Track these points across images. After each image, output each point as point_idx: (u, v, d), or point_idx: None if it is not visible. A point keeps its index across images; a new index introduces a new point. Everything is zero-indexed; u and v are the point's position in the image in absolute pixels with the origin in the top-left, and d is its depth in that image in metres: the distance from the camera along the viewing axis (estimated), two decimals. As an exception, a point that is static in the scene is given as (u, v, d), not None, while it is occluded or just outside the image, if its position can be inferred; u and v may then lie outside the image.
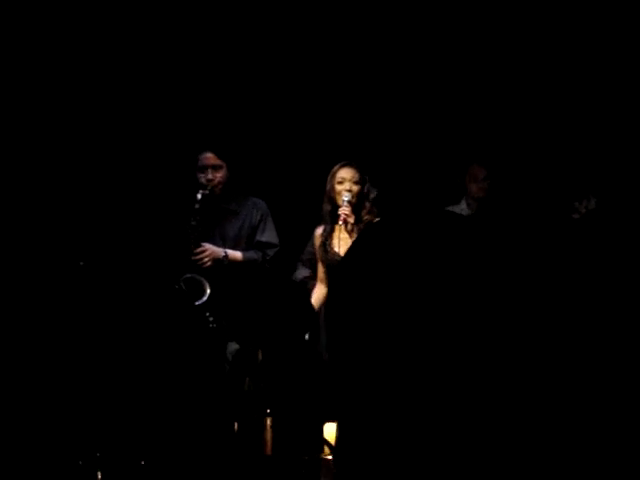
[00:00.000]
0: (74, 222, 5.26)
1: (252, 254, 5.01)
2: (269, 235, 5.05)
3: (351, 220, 4.72)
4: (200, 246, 4.87)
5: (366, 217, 4.79)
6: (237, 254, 4.97)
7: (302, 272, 5.05)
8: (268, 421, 4.53)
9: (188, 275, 4.80)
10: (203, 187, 4.92)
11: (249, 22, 5.59)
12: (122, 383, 4.82)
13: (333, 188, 4.78)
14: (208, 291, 4.73)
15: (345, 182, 4.76)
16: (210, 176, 4.95)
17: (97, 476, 4.39)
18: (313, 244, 4.94)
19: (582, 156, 5.35)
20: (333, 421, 4.12)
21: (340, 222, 4.70)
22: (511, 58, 5.51)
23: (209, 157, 4.98)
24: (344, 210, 4.70)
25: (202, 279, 4.76)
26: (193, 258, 4.83)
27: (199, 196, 4.86)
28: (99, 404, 4.72)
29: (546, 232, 5.14)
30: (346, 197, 4.70)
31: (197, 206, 4.85)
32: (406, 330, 4.50)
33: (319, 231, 4.87)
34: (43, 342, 4.92)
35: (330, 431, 4.23)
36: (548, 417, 3.73)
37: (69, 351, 4.87)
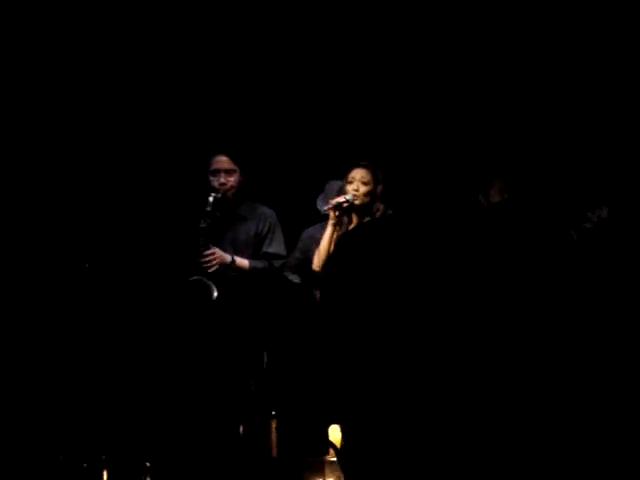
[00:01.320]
0: (80, 224, 5.26)
1: (258, 263, 4.96)
2: (276, 246, 4.99)
3: (332, 215, 4.69)
4: (209, 248, 4.83)
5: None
6: (244, 262, 4.92)
7: (292, 279, 5.01)
8: (273, 423, 4.53)
9: (195, 277, 4.77)
10: (215, 190, 4.87)
11: (274, 31, 5.58)
12: (128, 385, 4.83)
13: (344, 187, 4.80)
14: (215, 294, 4.72)
15: (354, 182, 4.77)
16: (223, 180, 4.89)
17: (103, 478, 4.40)
18: (301, 248, 4.91)
19: (594, 166, 5.34)
20: (338, 423, 4.11)
21: (326, 208, 4.68)
22: (528, 74, 5.50)
23: (223, 160, 4.92)
24: (333, 201, 4.69)
25: (209, 282, 4.74)
26: (201, 260, 4.79)
27: (211, 199, 4.79)
28: (104, 406, 4.73)
29: (557, 238, 5.15)
30: (348, 196, 4.70)
31: (209, 209, 4.79)
32: (403, 327, 4.49)
33: (310, 232, 4.86)
34: (49, 344, 4.93)
35: (335, 433, 4.22)
36: (548, 415, 3.72)
37: (75, 353, 4.89)
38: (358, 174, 4.77)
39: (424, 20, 5.51)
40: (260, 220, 4.98)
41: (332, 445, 4.36)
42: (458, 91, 5.51)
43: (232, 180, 4.91)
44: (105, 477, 4.42)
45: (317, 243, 4.82)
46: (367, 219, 4.74)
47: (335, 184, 4.97)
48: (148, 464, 4.48)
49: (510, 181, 5.25)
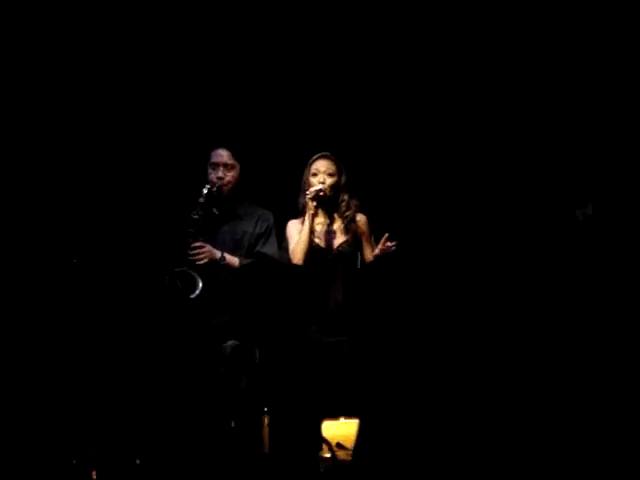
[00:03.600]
0: (68, 218, 5.21)
1: (248, 262, 4.91)
2: (270, 247, 4.92)
3: (310, 206, 4.67)
4: (198, 241, 4.77)
5: (347, 212, 4.77)
6: (234, 260, 4.86)
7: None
8: (265, 419, 4.51)
9: (180, 269, 4.70)
10: (211, 183, 4.81)
11: (275, 30, 5.56)
12: (117, 381, 4.79)
13: (308, 180, 4.77)
14: (200, 285, 4.66)
15: (319, 174, 4.75)
16: (221, 174, 4.82)
17: (92, 475, 4.36)
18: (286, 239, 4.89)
19: (580, 163, 5.36)
20: (331, 419, 4.09)
21: (309, 196, 4.66)
22: (512, 67, 5.51)
23: (223, 154, 4.83)
24: (312, 190, 4.67)
25: (195, 274, 4.67)
26: (189, 252, 4.73)
27: (205, 190, 4.72)
28: (93, 402, 4.69)
29: (546, 237, 5.17)
30: (320, 186, 4.68)
31: (201, 200, 4.73)
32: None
33: (293, 222, 4.83)
34: (35, 339, 4.88)
35: (328, 429, 4.20)
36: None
37: (62, 348, 4.84)
38: (322, 166, 4.75)
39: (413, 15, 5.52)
40: (259, 221, 4.92)
41: (325, 441, 4.34)
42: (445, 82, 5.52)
43: (230, 175, 4.85)
44: (94, 475, 4.37)
45: (294, 227, 4.78)
46: (347, 213, 4.75)
47: None
48: (138, 461, 4.44)
49: (496, 179, 5.29)
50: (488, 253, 5.09)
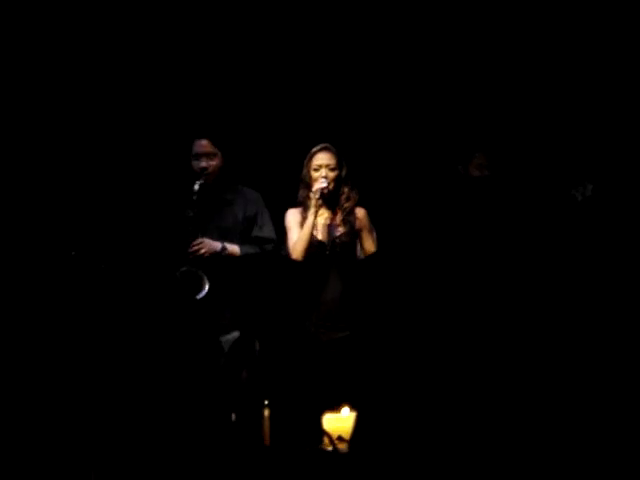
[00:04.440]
0: (67, 211, 5.19)
1: (250, 249, 4.90)
2: (267, 230, 4.93)
3: (315, 203, 4.65)
4: (197, 237, 4.77)
5: (347, 204, 4.75)
6: (235, 248, 4.87)
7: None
8: (266, 412, 4.50)
9: (186, 268, 4.71)
10: (198, 176, 4.81)
11: (244, 16, 5.53)
12: (116, 376, 4.78)
13: (309, 174, 4.74)
14: (207, 287, 4.66)
15: (321, 169, 4.72)
16: (204, 164, 4.85)
17: (92, 473, 4.35)
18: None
19: (578, 143, 5.33)
20: (332, 411, 4.07)
21: (318, 196, 4.63)
22: (508, 51, 5.50)
23: (203, 144, 4.87)
24: (317, 188, 4.64)
25: (202, 274, 4.68)
26: (190, 250, 4.73)
27: (196, 187, 4.75)
28: (93, 397, 4.68)
29: (544, 217, 5.14)
30: (323, 183, 4.65)
31: (195, 197, 4.74)
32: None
33: (293, 211, 4.80)
34: (35, 334, 4.87)
35: (329, 422, 4.18)
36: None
37: (61, 345, 4.83)
38: (324, 160, 4.72)
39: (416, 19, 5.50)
40: (247, 204, 4.92)
41: (326, 434, 4.33)
42: (443, 70, 5.50)
43: (213, 164, 4.86)
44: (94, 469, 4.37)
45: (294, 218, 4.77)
46: (347, 205, 4.73)
47: None
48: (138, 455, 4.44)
49: (492, 157, 5.26)
50: (487, 241, 5.07)
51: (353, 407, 3.95)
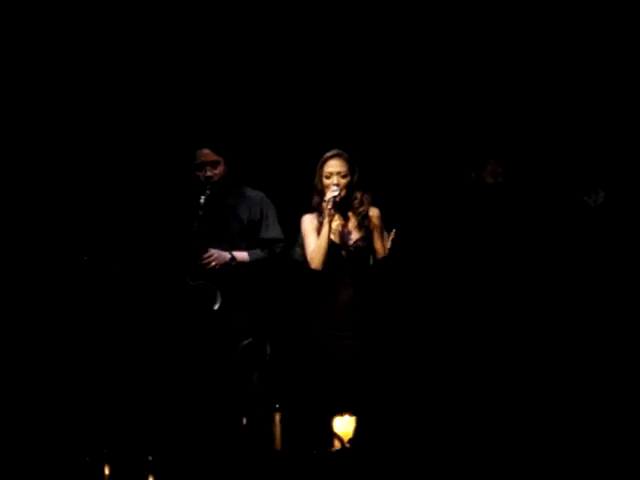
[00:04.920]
0: (80, 217, 5.22)
1: (259, 253, 4.91)
2: (273, 231, 4.93)
3: (329, 212, 4.64)
4: (206, 251, 4.77)
5: (361, 209, 4.76)
6: (244, 255, 4.87)
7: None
8: (277, 416, 4.49)
9: (201, 282, 4.71)
10: (203, 188, 4.80)
11: (245, 18, 5.54)
12: (129, 378, 4.78)
13: (321, 181, 4.75)
14: (219, 302, 4.67)
15: (332, 176, 4.72)
16: (209, 173, 4.84)
17: (104, 472, 4.35)
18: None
19: (591, 150, 5.33)
20: (342, 414, 4.07)
21: (330, 207, 4.63)
22: (521, 58, 5.50)
23: (206, 153, 4.87)
24: (329, 198, 4.64)
25: (215, 289, 4.68)
26: (200, 264, 4.74)
27: (202, 201, 4.75)
28: (106, 399, 4.69)
29: (557, 224, 5.14)
30: (335, 191, 4.65)
31: (201, 212, 4.74)
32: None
33: (309, 217, 4.80)
34: (48, 337, 4.89)
35: (339, 425, 4.18)
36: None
37: (74, 346, 4.84)
38: (335, 168, 4.72)
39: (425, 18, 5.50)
40: (251, 206, 4.92)
41: (337, 437, 4.32)
42: (453, 75, 5.51)
43: (217, 172, 4.86)
44: (107, 471, 4.36)
45: (310, 224, 4.77)
46: (361, 209, 4.74)
47: None
48: (150, 458, 4.43)
49: (506, 164, 5.26)
50: (499, 248, 5.07)
51: (354, 412, 3.95)
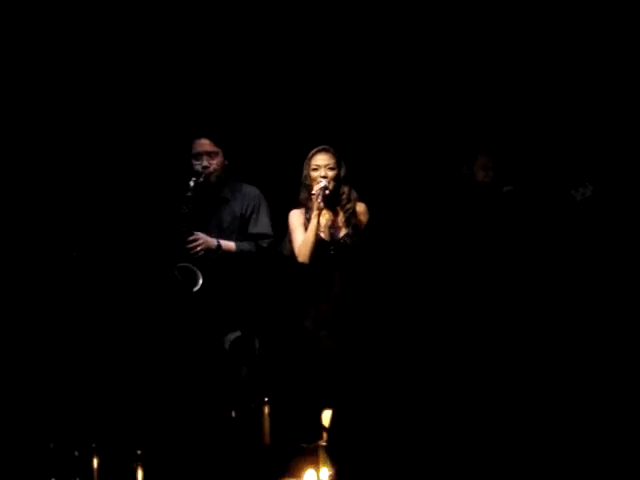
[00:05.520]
0: (68, 213, 5.21)
1: (245, 245, 4.90)
2: (262, 226, 4.92)
3: (318, 205, 4.64)
4: (192, 234, 4.76)
5: (348, 205, 4.76)
6: (230, 244, 4.86)
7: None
8: (266, 409, 4.49)
9: (181, 264, 4.71)
10: (197, 175, 4.80)
11: (244, 16, 5.54)
12: (117, 372, 4.78)
13: (309, 175, 4.75)
14: (200, 281, 4.66)
15: (320, 169, 4.73)
16: (206, 163, 4.83)
17: (93, 466, 4.35)
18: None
19: (578, 144, 5.34)
20: (331, 408, 4.07)
21: (319, 201, 4.63)
22: (510, 52, 5.52)
23: (204, 143, 4.86)
24: (318, 190, 4.64)
25: (195, 268, 4.67)
26: (185, 247, 4.72)
27: (192, 183, 4.73)
28: (94, 393, 4.68)
29: (545, 217, 5.15)
30: (323, 183, 4.66)
31: (189, 194, 4.73)
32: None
33: (296, 213, 4.81)
34: (37, 332, 4.88)
35: (328, 418, 4.18)
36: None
37: (63, 341, 4.84)
38: (322, 161, 4.73)
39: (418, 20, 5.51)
40: (243, 200, 4.91)
41: (326, 430, 4.32)
42: (445, 70, 5.52)
43: (215, 163, 4.85)
44: (95, 464, 4.36)
45: (298, 219, 4.77)
46: (348, 206, 4.74)
47: None
48: (139, 451, 4.43)
49: (496, 157, 5.27)
50: (489, 244, 5.08)
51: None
